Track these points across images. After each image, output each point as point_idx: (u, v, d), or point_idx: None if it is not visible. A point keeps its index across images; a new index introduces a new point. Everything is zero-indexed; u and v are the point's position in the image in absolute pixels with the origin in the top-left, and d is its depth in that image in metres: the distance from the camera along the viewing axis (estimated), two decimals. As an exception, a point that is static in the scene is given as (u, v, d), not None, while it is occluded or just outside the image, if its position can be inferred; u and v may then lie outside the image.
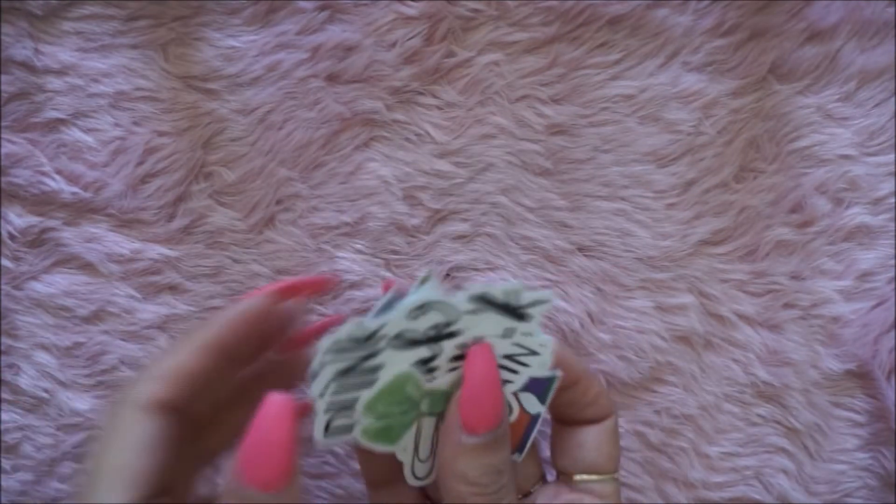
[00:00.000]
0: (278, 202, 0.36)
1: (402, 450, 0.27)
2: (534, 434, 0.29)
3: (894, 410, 0.36)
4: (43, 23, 0.35)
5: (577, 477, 0.30)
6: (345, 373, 0.24)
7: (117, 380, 0.37)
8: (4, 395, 0.36)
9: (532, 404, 0.28)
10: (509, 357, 0.27)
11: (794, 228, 0.37)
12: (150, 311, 0.36)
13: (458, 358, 0.26)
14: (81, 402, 0.36)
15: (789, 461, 0.37)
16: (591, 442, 0.30)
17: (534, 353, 0.27)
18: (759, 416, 0.37)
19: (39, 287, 0.36)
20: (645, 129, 0.36)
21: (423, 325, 0.25)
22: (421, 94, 0.36)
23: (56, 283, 0.36)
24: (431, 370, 0.26)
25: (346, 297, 0.36)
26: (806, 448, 0.37)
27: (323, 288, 0.31)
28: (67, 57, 0.35)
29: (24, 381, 0.36)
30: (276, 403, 0.23)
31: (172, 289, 0.36)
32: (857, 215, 0.37)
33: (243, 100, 0.36)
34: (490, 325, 0.26)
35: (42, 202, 0.36)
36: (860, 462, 0.37)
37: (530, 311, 0.26)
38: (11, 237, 0.35)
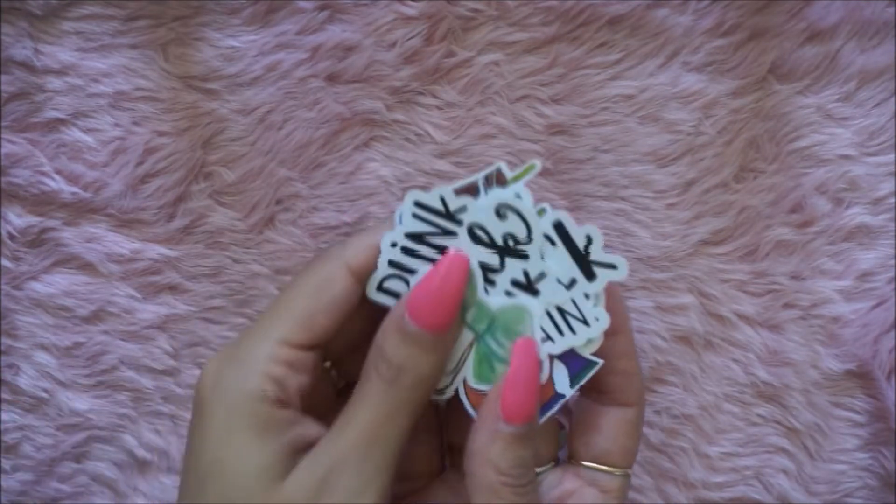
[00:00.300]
0: (278, 202, 0.36)
1: None
2: (551, 412, 0.27)
3: (894, 410, 0.36)
4: (43, 23, 0.35)
5: (586, 463, 0.29)
6: (416, 238, 0.25)
7: (117, 379, 0.37)
8: (4, 396, 0.36)
9: (562, 381, 0.27)
10: (561, 311, 0.26)
11: (794, 228, 0.37)
12: (150, 311, 0.36)
13: (518, 285, 0.26)
14: (81, 403, 0.36)
15: (789, 461, 0.37)
16: (608, 428, 0.29)
17: (585, 322, 0.26)
18: (759, 416, 0.37)
19: (39, 287, 0.36)
20: (645, 129, 0.36)
21: (501, 229, 0.25)
22: (421, 94, 0.36)
23: (56, 283, 0.36)
24: (490, 281, 0.26)
25: (346, 297, 0.36)
26: (806, 448, 0.37)
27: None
28: (67, 57, 0.35)
29: (24, 382, 0.36)
30: (456, 256, 0.26)
31: (172, 289, 0.36)
32: (857, 215, 0.37)
33: (243, 100, 0.36)
34: (559, 265, 0.26)
35: (42, 202, 0.36)
36: (860, 462, 0.37)
37: (599, 272, 0.26)
38: (11, 237, 0.35)
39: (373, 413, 0.25)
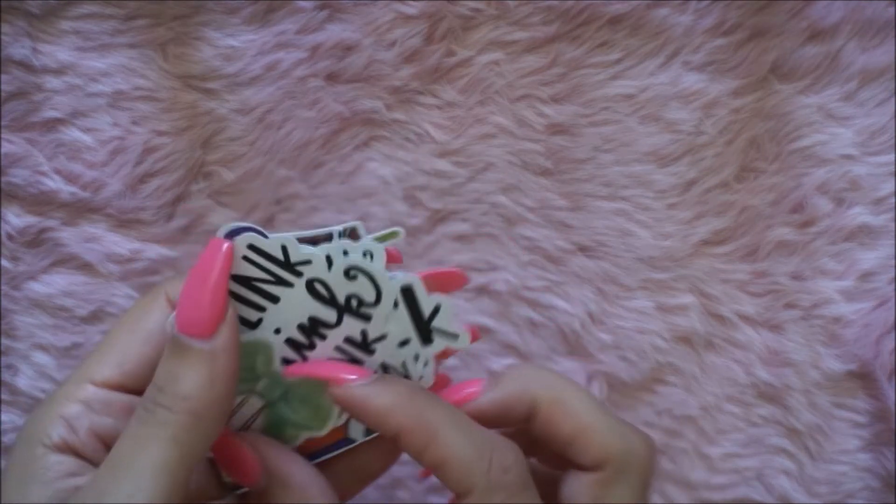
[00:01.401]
0: (278, 202, 0.36)
1: None
2: (329, 455, 0.26)
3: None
4: (41, 22, 0.35)
5: None
6: (242, 281, 0.23)
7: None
8: (3, 396, 0.36)
9: (357, 428, 0.26)
10: (385, 367, 0.25)
11: (795, 228, 0.37)
12: (149, 311, 0.36)
13: (352, 342, 0.25)
14: (80, 403, 0.36)
15: (790, 462, 0.37)
16: (579, 496, 0.24)
17: (408, 378, 0.25)
18: (760, 416, 0.37)
19: (38, 287, 0.36)
20: (645, 129, 0.36)
21: (347, 289, 0.24)
22: (421, 93, 0.36)
23: (55, 284, 0.36)
24: (321, 335, 0.25)
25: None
26: (807, 449, 0.37)
27: (458, 281, 0.26)
28: (66, 56, 0.35)
29: (23, 382, 0.36)
30: (215, 242, 0.23)
31: (171, 289, 0.36)
32: (858, 215, 0.37)
33: (242, 99, 0.36)
34: (399, 325, 0.24)
35: (40, 202, 0.35)
36: (862, 463, 0.37)
37: (438, 338, 0.25)
38: (10, 237, 0.35)
39: (119, 447, 0.22)
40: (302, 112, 0.36)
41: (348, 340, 0.25)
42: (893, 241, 0.37)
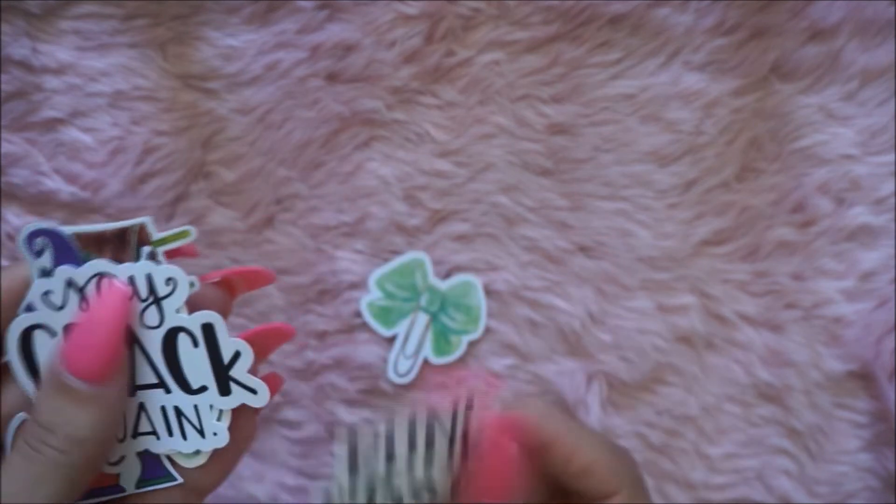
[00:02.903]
0: (278, 202, 0.36)
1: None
2: (94, 500, 0.24)
3: None
4: (41, 21, 0.35)
5: None
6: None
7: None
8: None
9: (130, 477, 0.24)
10: (179, 412, 0.23)
11: (796, 228, 0.37)
12: (149, 311, 0.36)
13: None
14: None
15: (791, 462, 0.37)
16: None
17: (201, 432, 0.23)
18: (760, 416, 0.37)
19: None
20: (646, 129, 0.36)
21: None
22: (421, 93, 0.36)
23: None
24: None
25: (346, 298, 0.36)
26: (807, 449, 0.37)
27: (260, 284, 0.26)
28: (65, 56, 0.35)
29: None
30: (111, 286, 0.21)
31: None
32: (858, 215, 0.37)
33: (242, 99, 0.36)
34: (195, 366, 0.23)
35: (40, 202, 0.35)
36: (862, 463, 0.37)
37: (236, 391, 0.23)
38: (10, 237, 0.35)
39: (11, 484, 0.20)
40: (302, 112, 0.36)
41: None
42: (894, 241, 0.37)
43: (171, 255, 0.23)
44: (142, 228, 0.23)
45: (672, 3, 0.35)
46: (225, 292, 0.25)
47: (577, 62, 0.36)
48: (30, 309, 0.22)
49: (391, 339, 0.35)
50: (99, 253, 0.22)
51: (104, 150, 0.35)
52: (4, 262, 0.35)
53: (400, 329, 0.35)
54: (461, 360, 0.36)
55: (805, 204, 0.37)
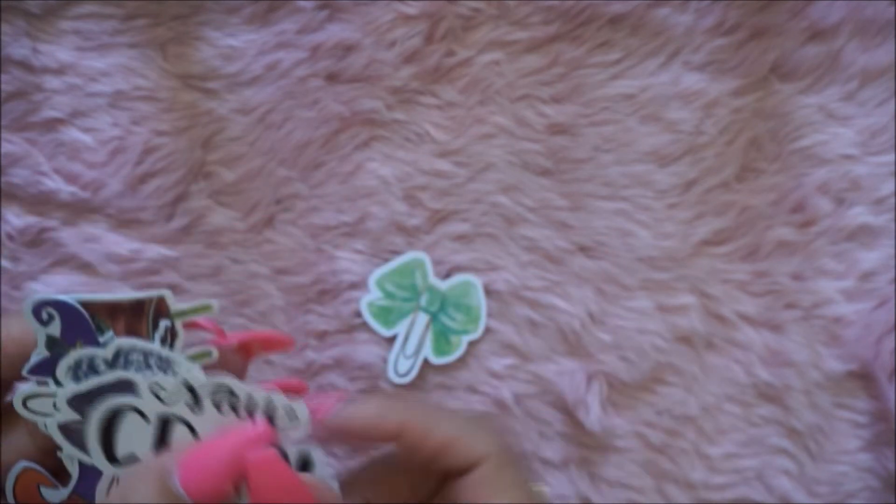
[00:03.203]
0: (278, 202, 0.36)
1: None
2: None
3: (896, 411, 0.36)
4: (41, 21, 0.35)
5: None
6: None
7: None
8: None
9: (56, 494, 0.23)
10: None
11: (796, 228, 0.37)
12: (149, 311, 0.36)
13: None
14: (80, 403, 0.36)
15: (791, 462, 0.37)
16: (471, 495, 0.23)
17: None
18: (760, 416, 0.37)
19: (38, 287, 0.36)
20: (646, 129, 0.36)
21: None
22: (421, 93, 0.36)
23: (55, 284, 0.36)
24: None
25: (346, 298, 0.36)
26: (807, 449, 0.37)
27: (277, 347, 0.27)
28: (65, 56, 0.35)
29: (23, 382, 0.36)
30: (253, 431, 0.21)
31: (172, 289, 0.36)
32: (858, 215, 0.37)
33: (242, 99, 0.36)
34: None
35: (40, 202, 0.35)
36: (862, 463, 0.37)
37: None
38: (10, 237, 0.35)
39: None
40: (302, 112, 0.36)
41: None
42: (894, 241, 0.37)
43: (189, 327, 0.23)
44: (160, 301, 0.22)
45: (672, 3, 0.35)
46: (242, 357, 0.25)
47: (577, 62, 0.36)
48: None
49: (391, 339, 0.36)
50: (112, 322, 0.22)
51: (104, 150, 0.35)
52: (4, 262, 0.35)
53: (400, 329, 0.34)
54: (461, 360, 0.36)
55: (805, 204, 0.37)
